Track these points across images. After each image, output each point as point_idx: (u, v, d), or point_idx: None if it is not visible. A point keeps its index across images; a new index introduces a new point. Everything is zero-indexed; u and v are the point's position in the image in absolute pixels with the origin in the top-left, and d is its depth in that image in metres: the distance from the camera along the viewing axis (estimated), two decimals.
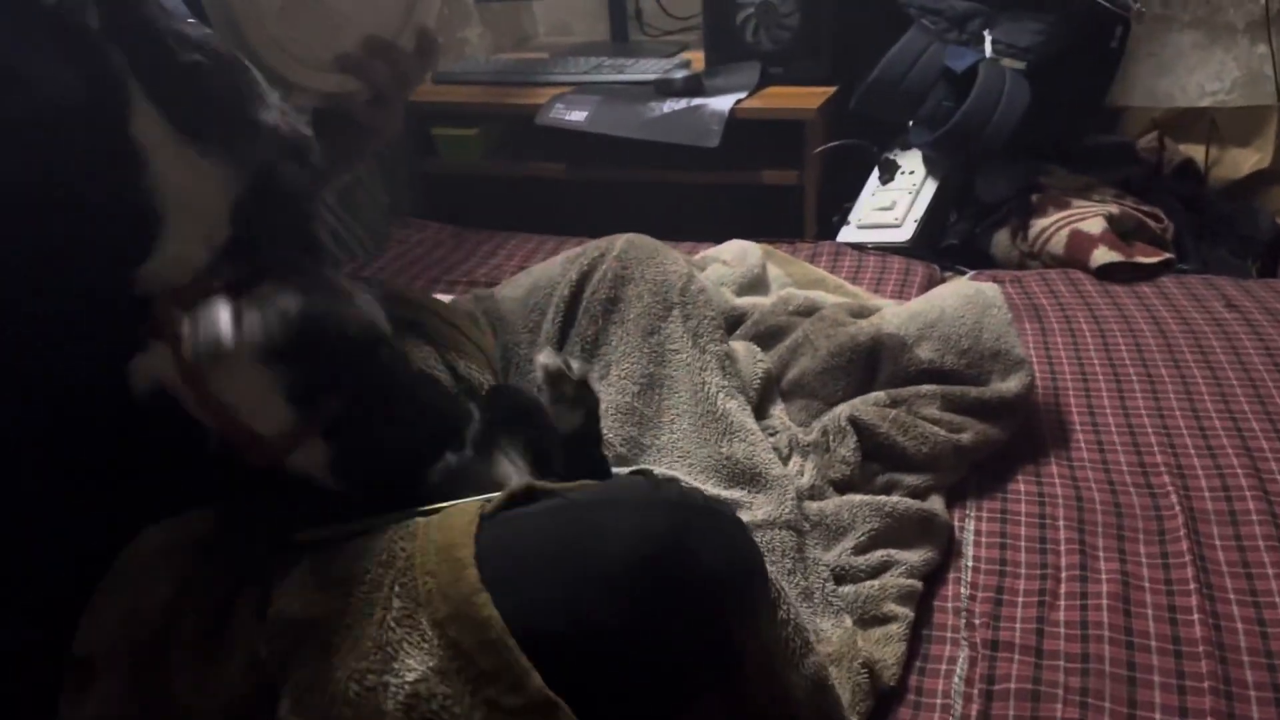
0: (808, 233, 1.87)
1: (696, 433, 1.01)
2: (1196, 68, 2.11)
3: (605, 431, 1.01)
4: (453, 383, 1.01)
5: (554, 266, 1.18)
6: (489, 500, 0.72)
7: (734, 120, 1.80)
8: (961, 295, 1.21)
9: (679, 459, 1.00)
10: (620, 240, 1.16)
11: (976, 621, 0.93)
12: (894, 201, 1.76)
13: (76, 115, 0.64)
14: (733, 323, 1.27)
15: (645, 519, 0.69)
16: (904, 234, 1.71)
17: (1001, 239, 1.73)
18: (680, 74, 1.89)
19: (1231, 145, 2.10)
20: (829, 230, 1.85)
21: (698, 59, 2.04)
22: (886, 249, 1.71)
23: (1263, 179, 2.08)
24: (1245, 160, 2.09)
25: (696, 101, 1.84)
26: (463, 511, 0.71)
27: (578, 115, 1.87)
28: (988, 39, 1.74)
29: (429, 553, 0.68)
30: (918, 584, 0.97)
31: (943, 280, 1.62)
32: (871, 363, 1.19)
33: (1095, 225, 1.61)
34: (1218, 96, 2.12)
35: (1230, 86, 2.11)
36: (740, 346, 1.19)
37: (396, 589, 0.67)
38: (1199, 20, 2.08)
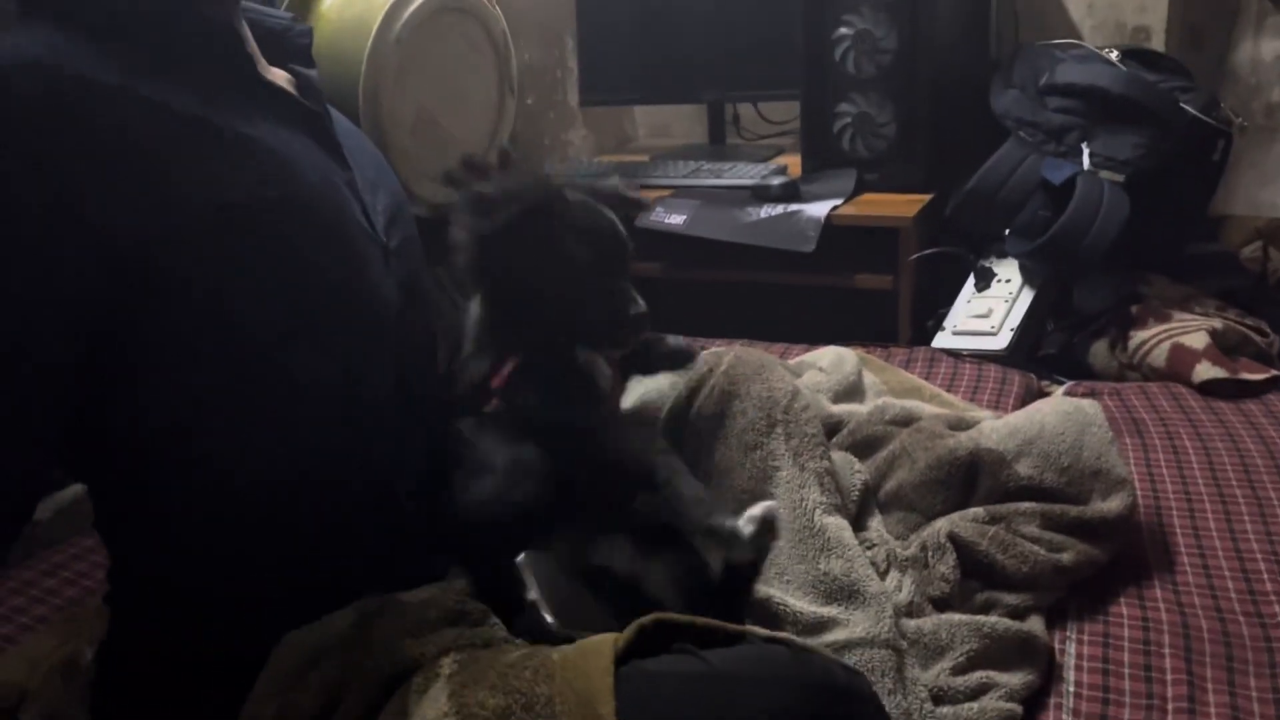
0: (901, 338, 1.89)
1: (794, 549, 1.02)
2: None
3: None
4: None
5: (662, 379, 1.22)
6: (619, 637, 0.75)
7: (830, 226, 1.84)
8: (1061, 411, 1.21)
9: (776, 575, 1.01)
10: (729, 355, 1.19)
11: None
12: (990, 309, 1.76)
13: None
14: (829, 430, 1.28)
15: (787, 702, 0.71)
16: (1000, 342, 1.71)
17: (1100, 350, 1.72)
18: (777, 180, 1.94)
19: None
20: (922, 336, 1.86)
21: (794, 163, 2.09)
22: (982, 356, 1.71)
23: None
24: None
25: (793, 207, 1.89)
26: (598, 653, 0.73)
27: (677, 218, 1.93)
28: (1085, 152, 1.75)
29: (569, 701, 0.70)
30: (1018, 708, 0.96)
31: (1040, 390, 1.62)
32: (970, 477, 1.19)
33: (1198, 340, 1.59)
34: None
35: None
36: (838, 457, 1.20)
37: None
38: None
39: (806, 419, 1.15)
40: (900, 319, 1.89)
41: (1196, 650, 1.01)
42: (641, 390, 1.23)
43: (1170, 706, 0.94)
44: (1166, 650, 1.01)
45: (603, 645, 0.75)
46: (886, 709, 0.83)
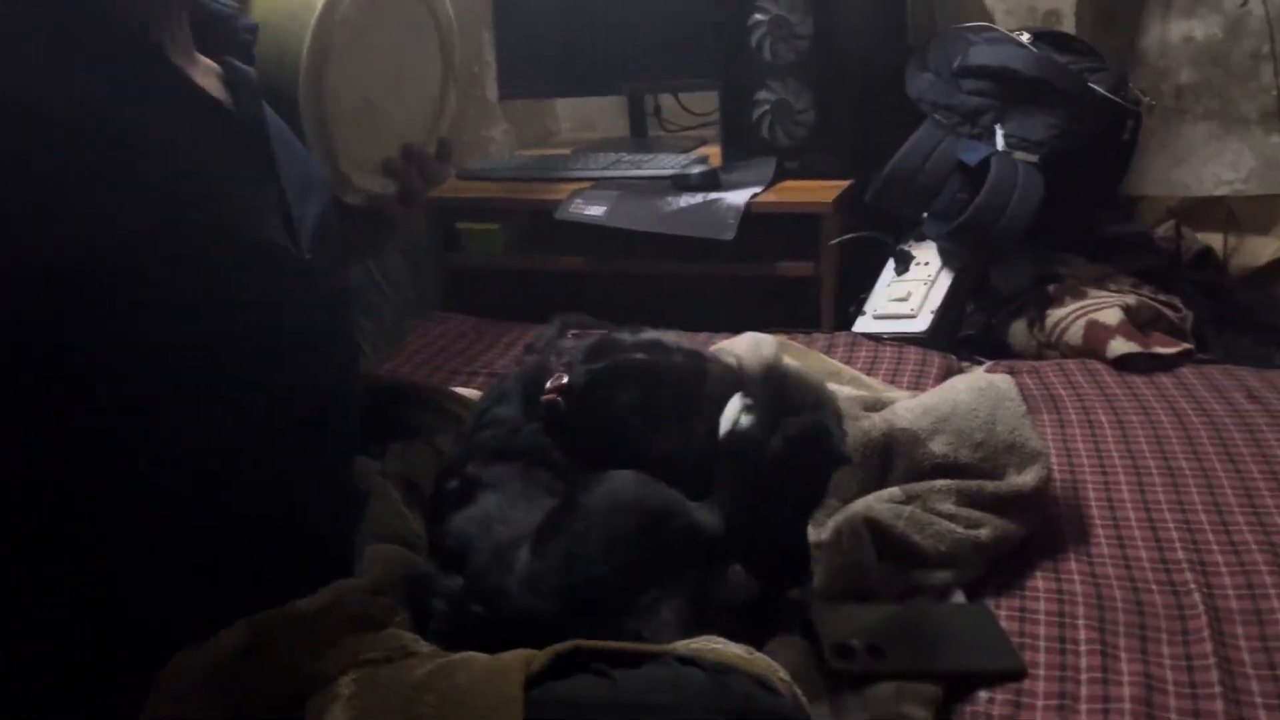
0: (825, 323, 1.88)
1: None
2: (1211, 158, 2.13)
3: None
4: None
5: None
6: (532, 659, 0.72)
7: (750, 214, 1.83)
8: (975, 388, 1.21)
9: None
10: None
11: None
12: (909, 292, 1.77)
13: None
14: None
15: None
16: (920, 324, 1.72)
17: (1018, 329, 1.74)
18: (697, 169, 1.93)
19: (1250, 233, 2.11)
20: (846, 321, 1.86)
21: (716, 154, 2.08)
22: (903, 339, 1.71)
23: None
24: (1265, 248, 2.09)
25: (713, 196, 1.87)
26: (507, 678, 0.70)
27: (596, 210, 1.91)
28: (999, 133, 1.77)
29: None
30: (938, 689, 0.94)
31: (960, 370, 1.62)
32: (886, 458, 1.18)
33: (1112, 316, 1.61)
34: (1234, 185, 2.13)
35: (1247, 176, 2.12)
36: None
37: None
38: (1212, 112, 2.10)
39: None
40: (823, 305, 1.89)
41: (1110, 620, 1.01)
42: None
43: (1084, 677, 0.94)
44: (1081, 622, 1.01)
45: (512, 670, 0.71)
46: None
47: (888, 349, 1.67)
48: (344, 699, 0.72)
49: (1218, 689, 0.90)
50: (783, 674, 0.76)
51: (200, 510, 0.76)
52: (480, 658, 0.74)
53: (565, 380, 0.98)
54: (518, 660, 0.72)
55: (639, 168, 2.07)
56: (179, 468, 0.74)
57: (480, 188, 2.12)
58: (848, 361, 1.63)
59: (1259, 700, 0.90)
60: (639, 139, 2.36)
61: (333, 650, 0.75)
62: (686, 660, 0.72)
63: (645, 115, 2.40)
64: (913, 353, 1.65)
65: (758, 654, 0.79)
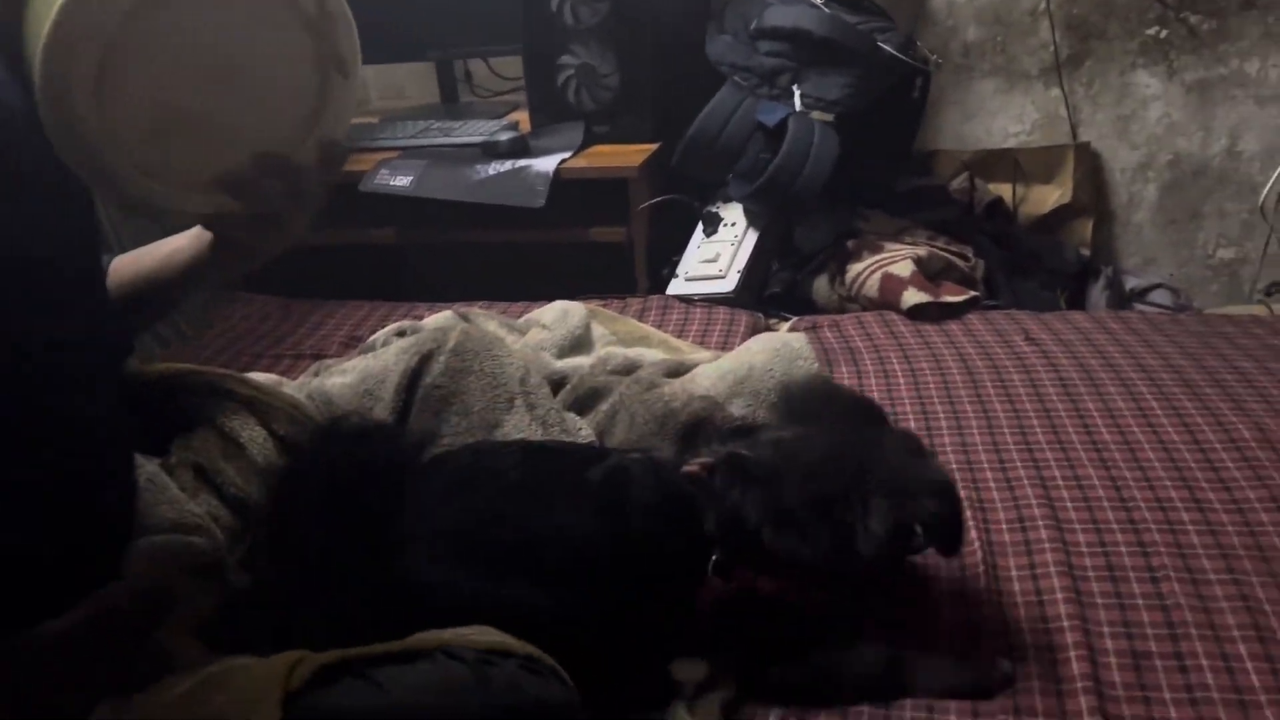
0: (639, 288, 1.90)
1: None
2: (999, 112, 2.24)
3: None
4: (271, 445, 0.99)
5: (387, 355, 1.18)
6: (293, 671, 0.69)
7: (560, 180, 1.82)
8: (769, 349, 1.24)
9: None
10: (454, 332, 1.17)
11: None
12: (718, 254, 1.80)
13: None
14: (554, 387, 1.27)
15: None
16: (728, 285, 1.75)
17: (821, 285, 1.79)
18: (506, 136, 1.90)
19: (1036, 183, 2.23)
20: (660, 285, 1.88)
21: (527, 120, 2.06)
22: (713, 300, 1.74)
23: (1066, 214, 2.21)
24: (1049, 196, 2.22)
25: (522, 163, 1.85)
26: (264, 696, 0.67)
27: (403, 180, 1.86)
28: (797, 94, 1.81)
29: None
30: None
31: (767, 328, 1.66)
32: (689, 425, 1.20)
33: (904, 268, 1.68)
34: (1020, 138, 2.25)
35: (1030, 128, 2.24)
36: (566, 419, 1.20)
37: None
38: (997, 68, 2.21)
39: (544, 392, 1.17)
40: (636, 269, 1.90)
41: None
42: (363, 366, 1.19)
43: None
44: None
45: (270, 685, 0.68)
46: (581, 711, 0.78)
47: (698, 310, 1.70)
48: None
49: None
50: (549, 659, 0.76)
51: None
52: (241, 671, 0.71)
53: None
54: (278, 673, 0.69)
55: (448, 135, 2.02)
56: None
57: None
58: (660, 324, 1.65)
59: (1025, 626, 0.96)
60: (450, 105, 2.31)
61: (83, 676, 0.71)
62: (454, 654, 0.71)
63: (456, 81, 2.34)
64: (722, 312, 1.69)
65: None
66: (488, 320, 1.43)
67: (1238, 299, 2.22)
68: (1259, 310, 1.72)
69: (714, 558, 0.88)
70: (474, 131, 2.01)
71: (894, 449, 0.90)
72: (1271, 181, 2.09)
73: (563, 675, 0.75)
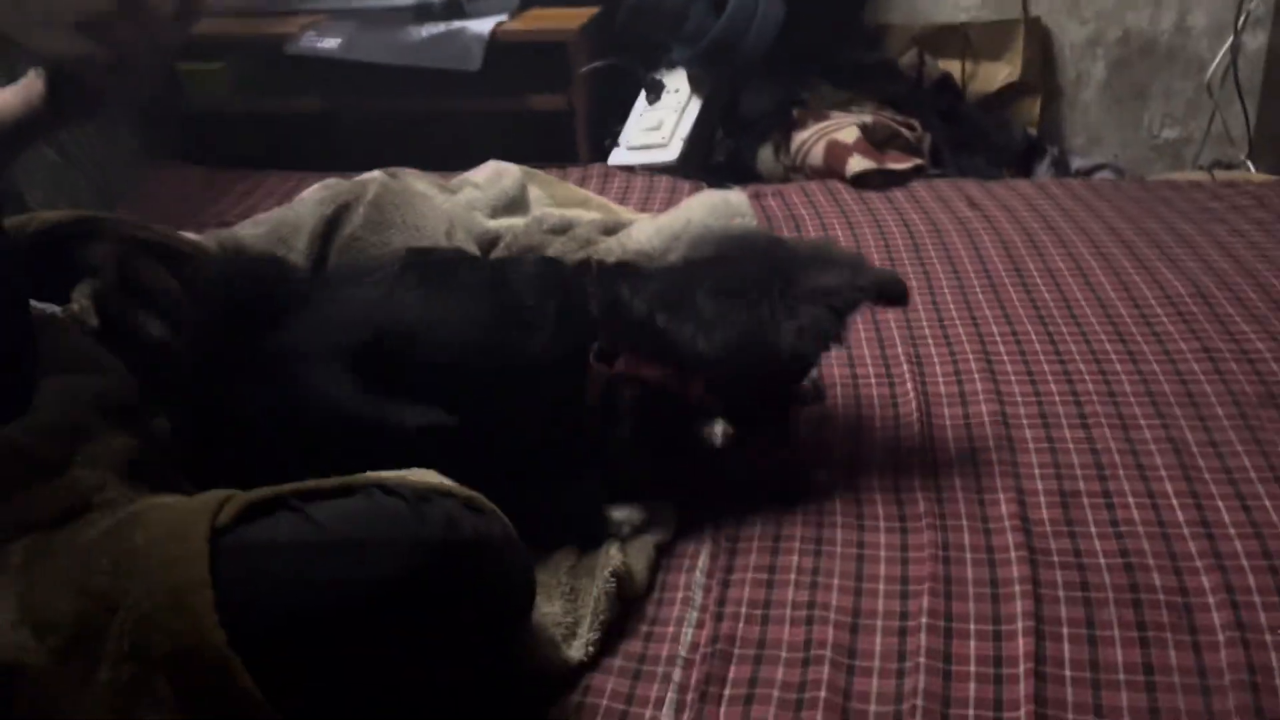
0: (581, 157, 1.85)
1: None
2: None
3: None
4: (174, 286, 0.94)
5: (302, 205, 1.15)
6: (221, 505, 0.66)
7: (497, 43, 1.75)
8: (708, 204, 1.21)
9: None
10: (374, 184, 1.13)
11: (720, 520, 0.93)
12: (661, 121, 1.75)
13: None
14: (486, 246, 1.24)
15: (403, 566, 0.65)
16: (671, 154, 1.71)
17: (766, 154, 1.75)
18: None
19: (985, 60, 2.19)
20: (603, 154, 1.83)
21: None
22: (655, 169, 1.70)
23: (1014, 91, 2.18)
24: (998, 74, 2.18)
25: (456, 25, 1.78)
26: (191, 532, 0.64)
27: (330, 43, 1.78)
28: None
29: (158, 597, 0.62)
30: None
31: None
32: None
33: (850, 135, 1.64)
34: (970, 12, 2.20)
35: (981, 3, 2.19)
36: None
37: (126, 645, 0.62)
38: None
39: (470, 248, 1.15)
40: (578, 138, 1.85)
41: (830, 416, 1.06)
42: (277, 217, 1.14)
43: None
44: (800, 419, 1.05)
45: (197, 523, 0.65)
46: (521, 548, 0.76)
47: (640, 179, 1.65)
48: (14, 570, 0.65)
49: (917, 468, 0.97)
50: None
51: None
52: (165, 507, 0.68)
53: None
54: (206, 509, 0.66)
55: None
56: None
57: (201, 23, 1.93)
58: (601, 192, 1.60)
59: (958, 482, 0.96)
60: None
61: (2, 511, 0.68)
62: (390, 490, 0.68)
63: None
64: (664, 182, 1.64)
65: None
66: (418, 180, 1.38)
67: None
68: (1200, 176, 1.72)
69: (595, 345, 0.88)
70: None
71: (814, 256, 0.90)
72: (1219, 57, 2.07)
73: (503, 517, 0.73)
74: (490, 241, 1.24)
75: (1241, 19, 2.00)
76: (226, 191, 1.70)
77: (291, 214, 1.13)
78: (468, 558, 0.68)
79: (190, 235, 1.06)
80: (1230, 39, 2.03)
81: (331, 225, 1.10)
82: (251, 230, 1.12)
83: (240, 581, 0.64)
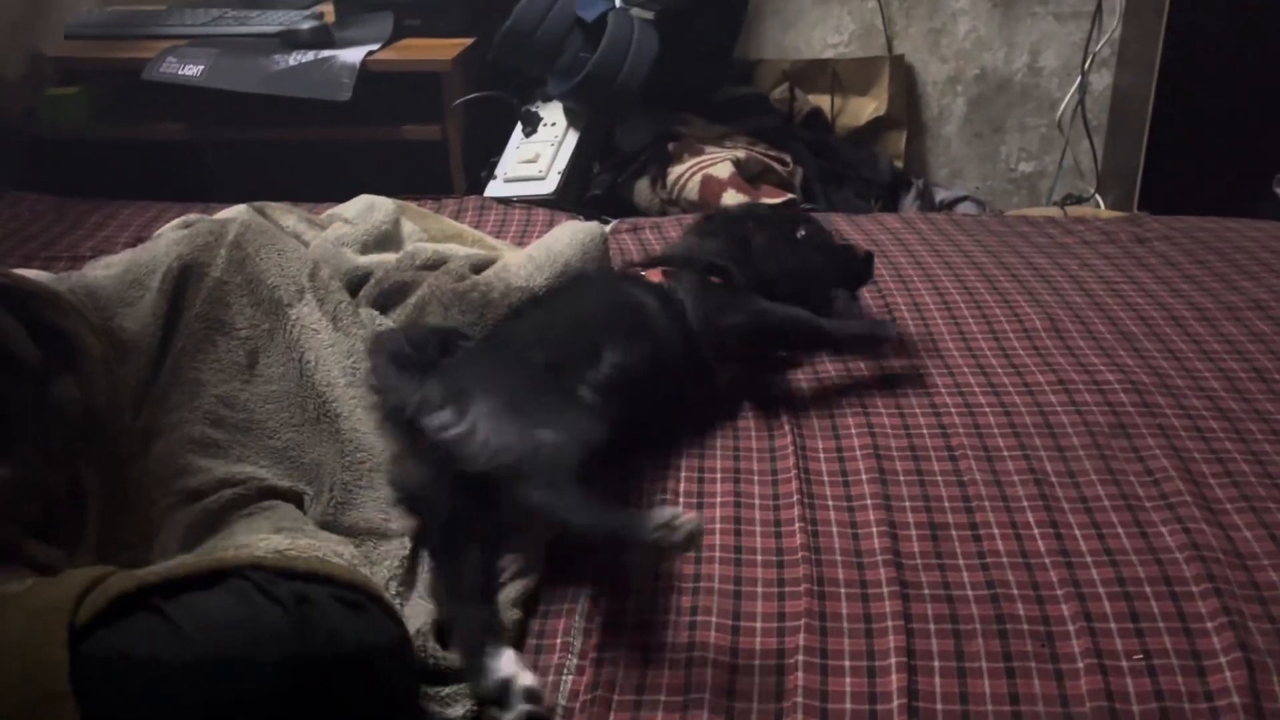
0: (456, 189, 1.83)
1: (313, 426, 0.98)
2: (818, 22, 2.25)
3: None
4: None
5: (157, 245, 1.10)
6: (84, 598, 0.61)
7: (369, 73, 1.72)
8: (572, 236, 1.22)
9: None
10: (234, 223, 1.09)
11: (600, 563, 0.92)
12: (538, 154, 1.74)
13: None
14: (355, 284, 1.21)
15: (279, 686, 0.61)
16: (548, 186, 1.70)
17: (642, 187, 1.77)
18: (308, 25, 1.78)
19: (853, 95, 2.27)
20: (479, 186, 1.81)
21: (331, 11, 1.93)
22: (532, 201, 1.69)
23: (881, 125, 2.26)
24: (865, 108, 2.26)
25: (326, 54, 1.74)
26: (50, 630, 0.59)
27: (192, 69, 1.72)
28: None
29: (15, 711, 0.57)
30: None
31: None
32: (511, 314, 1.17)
33: (724, 170, 1.67)
34: (838, 49, 2.28)
35: (848, 39, 2.27)
36: (362, 314, 1.14)
37: None
38: None
39: (335, 285, 1.11)
40: (453, 170, 1.83)
41: (709, 445, 1.06)
42: (130, 257, 1.09)
43: (681, 502, 0.98)
44: (682, 446, 1.06)
45: (52, 626, 0.59)
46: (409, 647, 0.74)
47: (517, 211, 1.64)
48: None
49: (796, 498, 0.98)
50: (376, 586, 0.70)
51: None
52: (13, 605, 0.62)
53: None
54: (61, 607, 0.60)
55: (244, 24, 1.88)
56: None
57: (61, 46, 1.84)
58: (477, 225, 1.58)
59: (831, 504, 0.98)
60: None
61: None
62: (264, 588, 0.63)
63: None
64: (542, 214, 1.64)
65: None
66: (285, 214, 1.33)
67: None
68: (1053, 212, 1.81)
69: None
70: (273, 21, 1.87)
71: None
72: (1068, 97, 2.19)
73: (388, 604, 0.69)
74: (360, 279, 1.21)
75: (1088, 61, 2.12)
76: (79, 224, 1.61)
77: (146, 255, 1.08)
78: (350, 673, 0.65)
79: (32, 273, 1.00)
80: (1078, 79, 2.15)
81: (188, 267, 1.05)
82: (103, 272, 1.06)
83: (104, 699, 0.59)
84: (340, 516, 0.92)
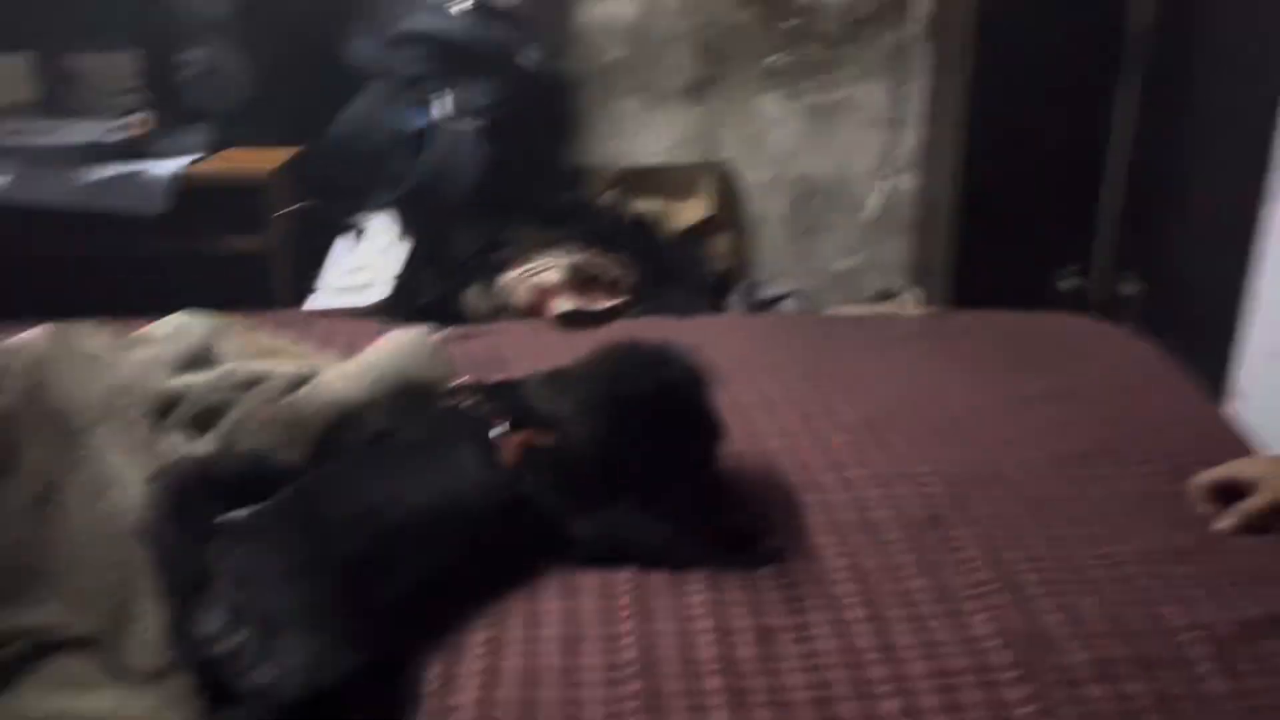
0: (280, 301, 1.78)
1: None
2: (642, 130, 2.34)
3: None
4: None
5: None
6: None
7: (189, 184, 1.68)
8: (396, 346, 1.22)
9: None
10: (27, 350, 1.04)
11: None
12: (365, 264, 1.73)
13: None
14: (165, 408, 1.15)
15: None
16: (377, 295, 1.69)
17: (473, 295, 1.77)
18: (116, 137, 1.72)
19: (679, 199, 2.35)
20: (305, 298, 1.78)
21: (150, 121, 1.88)
22: (362, 312, 1.67)
23: (708, 227, 2.34)
24: (691, 212, 2.34)
25: (137, 166, 1.69)
26: None
27: None
28: (440, 101, 1.78)
29: None
30: None
31: None
32: (325, 431, 1.14)
33: (554, 276, 1.69)
34: (663, 156, 2.36)
35: (673, 146, 2.36)
36: (171, 440, 1.09)
37: None
38: (638, 88, 2.30)
39: (136, 413, 1.08)
40: (276, 282, 1.79)
41: None
42: None
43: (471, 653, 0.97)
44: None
45: None
46: None
47: (346, 322, 1.61)
48: None
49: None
50: None
51: None
52: None
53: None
54: None
55: (49, 135, 1.81)
56: None
57: None
58: (303, 338, 1.55)
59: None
60: (54, 104, 2.05)
61: None
62: None
63: (64, 79, 2.09)
64: (372, 325, 1.61)
65: None
66: (90, 337, 1.27)
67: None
68: (867, 308, 1.91)
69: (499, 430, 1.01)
70: (79, 133, 1.81)
71: None
72: (872, 198, 2.33)
73: None
74: (170, 403, 1.16)
75: (889, 165, 2.28)
76: None
77: None
78: None
79: None
80: (882, 183, 2.29)
81: None
82: None
83: None
84: (148, 655, 0.86)
